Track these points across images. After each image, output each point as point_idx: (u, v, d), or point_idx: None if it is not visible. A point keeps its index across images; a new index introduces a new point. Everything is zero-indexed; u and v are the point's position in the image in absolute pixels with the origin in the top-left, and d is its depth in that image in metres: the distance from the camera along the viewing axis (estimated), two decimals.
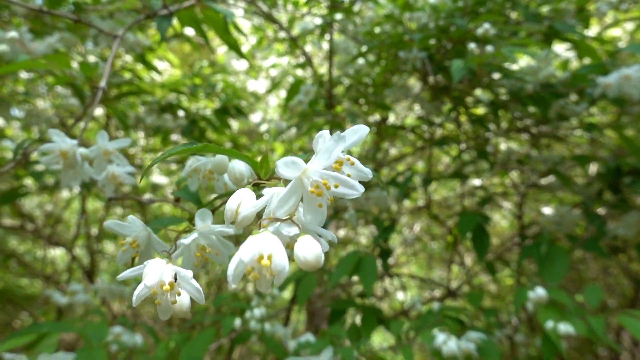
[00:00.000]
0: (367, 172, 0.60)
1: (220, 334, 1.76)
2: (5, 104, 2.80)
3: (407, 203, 4.11)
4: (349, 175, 0.57)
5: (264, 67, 4.29)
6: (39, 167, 1.95)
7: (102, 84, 1.26)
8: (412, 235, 4.91)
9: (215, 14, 1.80)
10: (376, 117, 3.33)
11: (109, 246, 5.34)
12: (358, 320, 2.02)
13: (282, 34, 3.83)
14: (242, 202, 0.55)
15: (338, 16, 3.16)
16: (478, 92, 2.70)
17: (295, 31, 3.44)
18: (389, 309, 4.19)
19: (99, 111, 3.43)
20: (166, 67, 4.42)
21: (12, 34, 1.29)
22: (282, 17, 3.59)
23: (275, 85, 3.60)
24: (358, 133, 0.59)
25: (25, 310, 4.79)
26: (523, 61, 2.62)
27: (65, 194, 4.83)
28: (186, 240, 0.62)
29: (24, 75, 2.76)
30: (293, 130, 3.62)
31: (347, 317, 2.08)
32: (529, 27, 2.20)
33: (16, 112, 2.87)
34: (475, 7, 2.33)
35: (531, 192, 3.64)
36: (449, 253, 4.27)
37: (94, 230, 4.57)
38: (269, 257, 0.47)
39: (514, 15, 2.51)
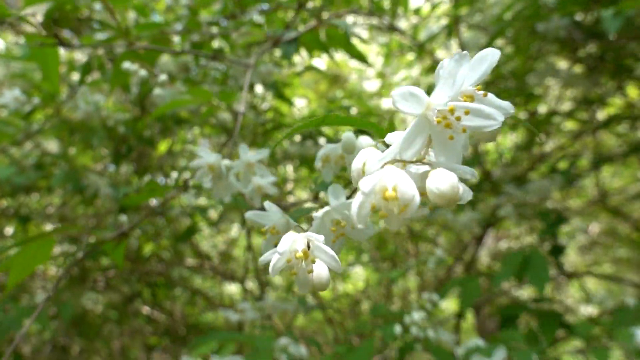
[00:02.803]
0: (507, 107, 0.52)
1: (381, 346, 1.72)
2: (176, 156, 3.23)
3: (575, 202, 3.63)
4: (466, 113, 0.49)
5: (395, 82, 4.27)
6: (199, 200, 2.17)
7: (241, 108, 1.36)
8: (588, 237, 4.31)
9: (336, 31, 1.84)
10: (524, 111, 3.06)
11: (276, 278, 5.72)
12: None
13: (407, 43, 3.79)
14: (368, 160, 0.52)
15: (463, 11, 3.02)
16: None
17: (421, 38, 3.37)
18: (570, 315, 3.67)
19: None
20: (304, 105, 4.68)
21: (163, 77, 1.47)
22: (404, 25, 3.56)
23: None
24: (487, 59, 0.51)
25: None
26: None
27: (234, 232, 5.33)
28: (319, 212, 0.60)
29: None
30: None
31: (520, 323, 1.86)
32: None
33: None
34: None
35: None
36: None
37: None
38: (394, 189, 0.42)
39: None
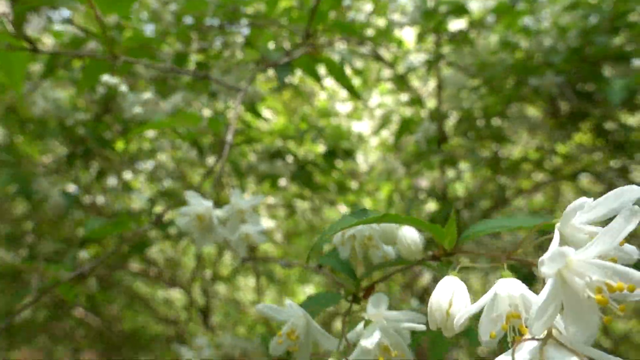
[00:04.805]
0: (633, 252, 0.44)
1: None
2: (134, 159, 3.03)
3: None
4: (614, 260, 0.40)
5: (369, 107, 4.25)
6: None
7: (229, 138, 1.24)
8: None
9: (331, 60, 1.75)
10: (489, 151, 3.09)
11: (221, 288, 5.54)
12: None
13: (386, 73, 3.76)
14: (454, 299, 0.42)
15: (445, 50, 3.03)
16: (624, 116, 2.36)
17: (400, 69, 3.36)
18: None
19: (211, 160, 3.58)
20: (269, 116, 4.56)
21: (147, 96, 1.33)
22: (385, 55, 3.53)
23: (383, 124, 3.52)
24: (621, 198, 0.43)
25: (149, 351, 5.05)
26: None
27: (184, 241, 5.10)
28: (369, 342, 0.49)
29: (149, 133, 2.96)
30: (400, 170, 3.48)
31: None
32: None
33: (144, 165, 3.08)
34: (614, 22, 2.06)
35: None
36: None
37: (208, 273, 4.74)
38: None
39: None
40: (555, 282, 0.39)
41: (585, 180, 3.11)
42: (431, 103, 3.68)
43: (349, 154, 3.51)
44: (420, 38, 2.81)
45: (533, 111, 3.08)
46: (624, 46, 1.75)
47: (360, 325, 0.55)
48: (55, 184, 1.96)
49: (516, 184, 3.77)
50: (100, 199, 3.40)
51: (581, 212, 0.42)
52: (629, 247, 0.43)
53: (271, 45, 1.81)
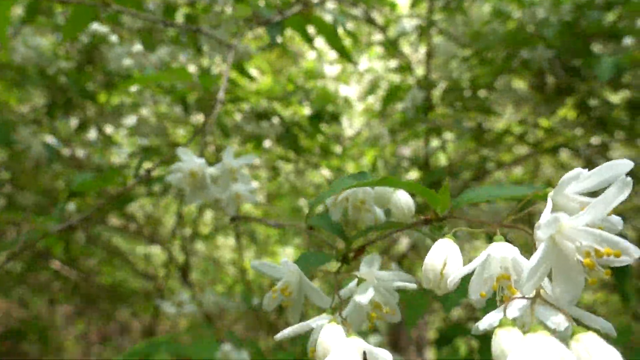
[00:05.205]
0: (617, 222, 0.46)
1: None
2: (116, 113, 2.96)
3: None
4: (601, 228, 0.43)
5: (357, 71, 4.20)
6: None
7: (221, 95, 1.23)
8: None
9: (323, 21, 1.72)
10: (474, 122, 3.12)
11: (200, 245, 5.59)
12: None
13: (376, 37, 3.71)
14: (449, 260, 0.44)
15: (438, 17, 2.99)
16: (608, 93, 2.39)
17: (391, 34, 3.31)
18: None
19: (196, 118, 3.52)
20: (256, 74, 4.47)
21: (137, 47, 1.30)
22: (378, 19, 3.47)
23: (371, 89, 3.49)
24: (613, 170, 0.44)
25: (127, 305, 5.11)
26: None
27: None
28: (364, 298, 0.51)
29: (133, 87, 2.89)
30: (386, 137, 3.49)
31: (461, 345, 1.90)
32: None
33: (127, 120, 3.01)
34: None
35: None
36: None
37: (188, 231, 4.76)
38: None
39: None
40: (548, 246, 0.41)
41: (565, 155, 3.17)
42: (420, 70, 3.66)
43: (334, 118, 3.49)
44: (415, 3, 2.76)
45: (520, 84, 3.10)
46: (617, 23, 1.76)
47: (352, 283, 0.57)
48: (36, 135, 1.92)
49: (498, 157, 3.83)
50: (80, 152, 3.33)
51: (576, 182, 0.44)
52: (615, 218, 0.46)
53: (262, 1, 1.76)
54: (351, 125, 4.54)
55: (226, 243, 6.12)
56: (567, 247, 0.41)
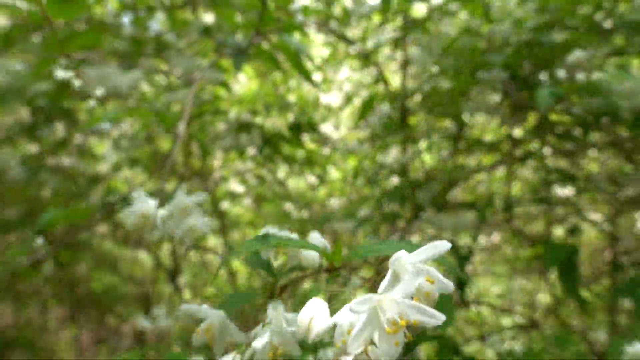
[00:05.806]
0: (448, 286, 0.56)
1: None
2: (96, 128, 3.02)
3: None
4: (427, 295, 0.53)
5: (337, 80, 4.29)
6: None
7: (181, 128, 1.31)
8: (489, 241, 4.66)
9: (288, 47, 1.81)
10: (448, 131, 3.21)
11: (191, 255, 5.65)
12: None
13: (353, 49, 3.79)
14: (315, 317, 0.54)
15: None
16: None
17: (368, 45, 3.40)
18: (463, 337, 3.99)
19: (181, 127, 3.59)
20: (245, 82, 4.54)
21: (110, 69, 1.37)
22: (354, 31, 3.56)
23: (349, 99, 3.60)
24: (437, 249, 0.55)
25: (117, 309, 5.19)
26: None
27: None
28: (258, 343, 0.61)
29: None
30: (365, 146, 3.58)
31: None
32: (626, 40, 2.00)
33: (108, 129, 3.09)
34: (563, 19, 2.16)
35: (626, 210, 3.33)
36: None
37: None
38: None
39: (607, 24, 2.29)
40: (368, 316, 0.52)
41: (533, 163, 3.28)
42: (398, 78, 3.75)
43: (312, 128, 3.59)
44: (384, 20, 2.86)
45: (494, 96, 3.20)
46: (565, 47, 1.86)
47: (259, 327, 0.66)
48: (13, 155, 1.99)
49: (477, 162, 3.94)
50: (66, 161, 3.40)
51: (407, 256, 0.54)
52: (447, 282, 0.56)
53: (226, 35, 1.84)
54: (337, 129, 4.61)
55: (217, 245, 6.17)
56: (379, 317, 0.52)
